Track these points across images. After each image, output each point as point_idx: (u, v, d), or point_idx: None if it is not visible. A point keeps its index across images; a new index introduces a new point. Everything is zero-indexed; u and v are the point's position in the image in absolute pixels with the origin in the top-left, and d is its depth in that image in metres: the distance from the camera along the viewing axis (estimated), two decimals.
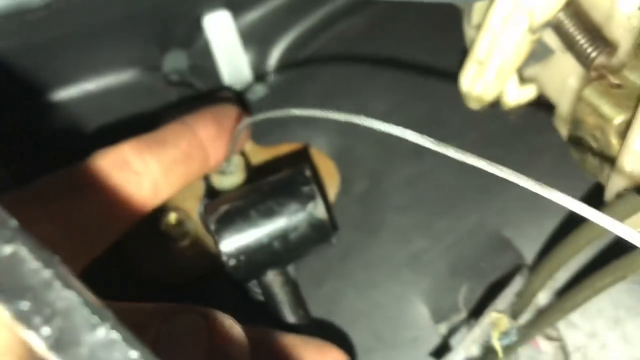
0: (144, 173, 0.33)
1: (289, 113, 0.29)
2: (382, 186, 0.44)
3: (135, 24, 0.44)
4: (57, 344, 0.16)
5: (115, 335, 0.16)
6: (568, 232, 0.35)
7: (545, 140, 0.44)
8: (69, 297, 0.17)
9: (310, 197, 0.36)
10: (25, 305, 0.16)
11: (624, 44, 0.31)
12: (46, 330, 0.16)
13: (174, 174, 0.35)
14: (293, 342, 0.33)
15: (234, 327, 0.28)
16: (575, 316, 0.40)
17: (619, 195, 0.30)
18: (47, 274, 0.17)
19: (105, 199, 0.32)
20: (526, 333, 0.36)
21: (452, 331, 0.40)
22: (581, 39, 0.33)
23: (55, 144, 0.44)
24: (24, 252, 0.17)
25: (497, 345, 0.32)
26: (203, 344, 0.26)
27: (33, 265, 0.17)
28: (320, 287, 0.41)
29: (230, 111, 0.39)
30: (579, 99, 0.33)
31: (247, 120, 0.35)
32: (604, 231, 0.33)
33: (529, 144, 0.44)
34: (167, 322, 0.26)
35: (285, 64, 0.48)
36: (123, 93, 0.45)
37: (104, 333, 0.16)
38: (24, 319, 0.16)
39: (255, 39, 0.48)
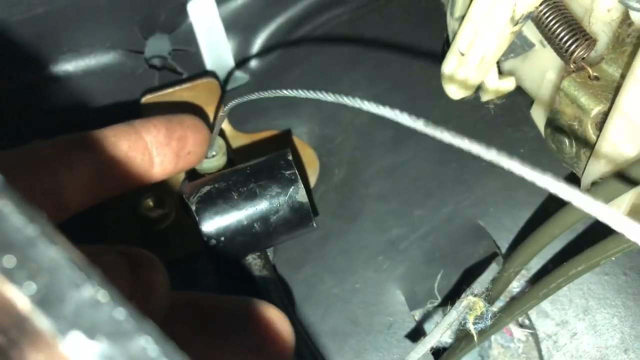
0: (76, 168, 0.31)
1: (275, 94, 0.29)
2: (361, 175, 0.45)
3: (119, 7, 0.43)
4: (42, 300, 0.16)
5: (101, 293, 0.16)
6: (542, 222, 0.35)
7: (522, 134, 0.45)
8: (54, 254, 0.16)
9: (291, 181, 0.37)
10: (9, 260, 0.16)
11: (603, 37, 0.32)
12: (31, 286, 0.16)
13: (109, 174, 0.33)
14: (231, 304, 0.33)
15: (154, 261, 0.29)
16: (547, 305, 0.40)
17: (596, 183, 0.31)
18: (32, 230, 0.17)
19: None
20: (499, 320, 0.36)
21: (427, 317, 0.40)
22: (561, 32, 0.33)
23: (34, 124, 0.43)
24: (8, 207, 0.17)
25: (472, 329, 0.32)
26: (126, 279, 0.28)
27: (18, 221, 0.17)
28: (298, 271, 0.42)
29: (187, 121, 0.36)
30: (558, 90, 0.33)
31: (232, 103, 0.35)
32: (578, 220, 0.34)
33: (506, 137, 0.45)
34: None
35: (267, 52, 0.48)
36: (104, 75, 0.45)
37: (90, 291, 0.16)
38: (7, 274, 0.16)
39: (239, 26, 0.48)
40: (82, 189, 0.31)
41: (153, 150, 0.34)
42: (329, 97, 0.26)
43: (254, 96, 0.31)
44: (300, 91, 0.28)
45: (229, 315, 0.33)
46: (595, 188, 0.31)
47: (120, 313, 0.16)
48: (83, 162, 0.31)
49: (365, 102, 0.25)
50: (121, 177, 0.33)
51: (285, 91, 0.29)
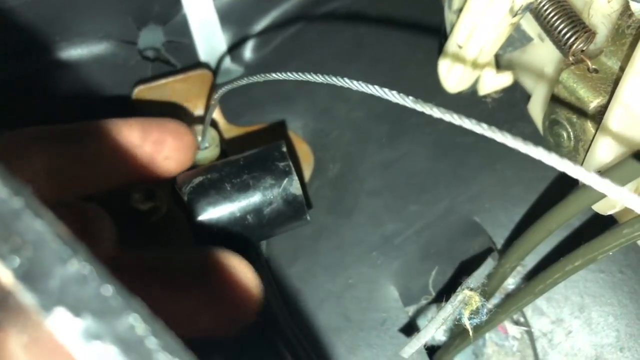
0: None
1: (265, 78, 0.28)
2: (356, 170, 0.44)
3: None
4: (25, 275, 0.15)
5: (88, 268, 0.16)
6: (537, 218, 0.35)
7: (519, 130, 0.44)
8: (39, 227, 0.16)
9: (285, 173, 0.36)
10: None
11: (603, 29, 0.32)
12: (14, 260, 0.15)
13: (70, 172, 0.31)
14: (187, 256, 0.32)
15: (98, 210, 0.30)
16: (542, 303, 0.40)
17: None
18: (16, 202, 0.16)
19: None
20: (495, 316, 0.36)
21: (421, 313, 0.40)
22: (560, 24, 0.33)
23: (24, 113, 0.43)
24: None
25: (468, 324, 0.32)
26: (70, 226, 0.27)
27: (2, 193, 0.16)
28: (291, 266, 0.41)
29: (169, 125, 0.34)
30: (556, 82, 0.33)
31: (223, 90, 0.34)
32: (573, 215, 0.34)
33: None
34: None
35: (262, 46, 0.48)
36: (96, 66, 0.44)
37: (77, 266, 0.16)
38: None
39: (234, 19, 0.47)
40: (37, 186, 0.30)
41: (123, 152, 0.32)
42: (318, 79, 0.26)
43: (244, 81, 0.31)
44: (289, 74, 0.28)
45: (186, 267, 0.31)
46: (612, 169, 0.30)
47: (107, 290, 0.16)
48: (39, 158, 0.30)
49: (354, 82, 0.25)
50: (84, 177, 0.32)
51: (274, 74, 0.28)
